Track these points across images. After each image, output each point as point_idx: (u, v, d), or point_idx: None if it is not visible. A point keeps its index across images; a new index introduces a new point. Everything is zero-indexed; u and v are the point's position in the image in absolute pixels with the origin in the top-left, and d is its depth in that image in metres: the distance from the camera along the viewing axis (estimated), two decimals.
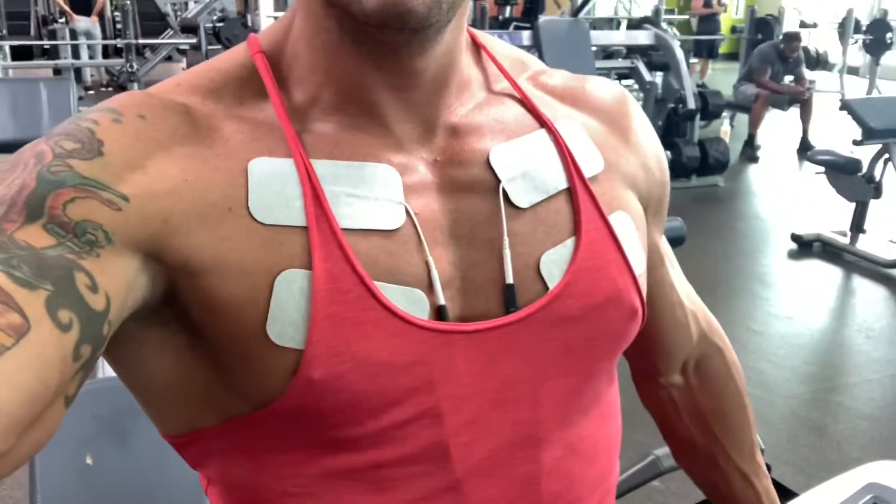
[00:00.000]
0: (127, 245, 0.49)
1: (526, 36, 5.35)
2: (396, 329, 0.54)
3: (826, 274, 4.50)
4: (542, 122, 0.64)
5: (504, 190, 0.60)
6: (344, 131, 0.57)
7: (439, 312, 0.56)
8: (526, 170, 0.61)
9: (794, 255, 4.72)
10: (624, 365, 0.86)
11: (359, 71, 0.57)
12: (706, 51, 10.84)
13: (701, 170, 5.74)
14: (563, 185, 0.62)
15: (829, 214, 5.14)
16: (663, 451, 1.55)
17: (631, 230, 0.64)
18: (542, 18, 5.63)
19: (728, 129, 7.12)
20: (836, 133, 7.07)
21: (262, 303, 0.52)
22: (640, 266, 0.64)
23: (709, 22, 11.10)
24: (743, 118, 7.58)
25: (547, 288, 0.59)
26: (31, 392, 0.41)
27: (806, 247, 4.75)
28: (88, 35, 10.10)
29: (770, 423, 2.89)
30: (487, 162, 0.60)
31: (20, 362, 0.41)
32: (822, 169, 4.77)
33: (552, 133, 0.63)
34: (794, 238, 4.79)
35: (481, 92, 0.64)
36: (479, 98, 0.63)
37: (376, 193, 0.56)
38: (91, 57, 10.08)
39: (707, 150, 5.70)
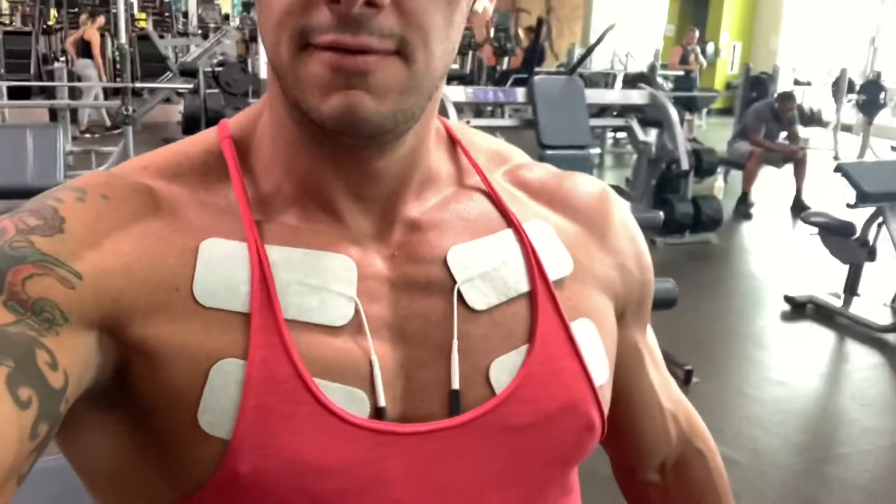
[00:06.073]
0: (82, 323, 0.49)
1: (520, 93, 5.31)
2: (328, 426, 0.52)
3: (820, 337, 4.45)
4: (510, 222, 0.62)
5: (459, 291, 0.58)
6: (303, 222, 0.57)
7: (379, 413, 0.54)
8: (485, 271, 0.59)
9: (787, 317, 4.68)
10: (604, 459, 0.82)
11: (317, 169, 0.56)
12: (682, 105, 10.85)
13: (694, 226, 5.72)
14: (525, 288, 0.60)
15: (823, 275, 5.12)
16: None
17: (594, 338, 0.62)
18: (536, 77, 5.60)
19: (722, 185, 7.14)
20: (829, 191, 7.11)
21: (198, 389, 0.52)
22: (601, 376, 0.62)
23: (685, 78, 11.15)
24: (737, 174, 7.60)
25: (494, 394, 0.57)
26: None
27: (799, 308, 4.71)
28: (87, 76, 10.16)
29: (762, 494, 2.81)
30: (445, 260, 0.58)
31: None
32: (816, 230, 4.76)
33: (519, 233, 0.62)
34: (788, 300, 4.76)
35: (449, 188, 0.62)
36: (446, 193, 0.62)
37: (328, 285, 0.55)
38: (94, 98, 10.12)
39: (700, 207, 5.69)
